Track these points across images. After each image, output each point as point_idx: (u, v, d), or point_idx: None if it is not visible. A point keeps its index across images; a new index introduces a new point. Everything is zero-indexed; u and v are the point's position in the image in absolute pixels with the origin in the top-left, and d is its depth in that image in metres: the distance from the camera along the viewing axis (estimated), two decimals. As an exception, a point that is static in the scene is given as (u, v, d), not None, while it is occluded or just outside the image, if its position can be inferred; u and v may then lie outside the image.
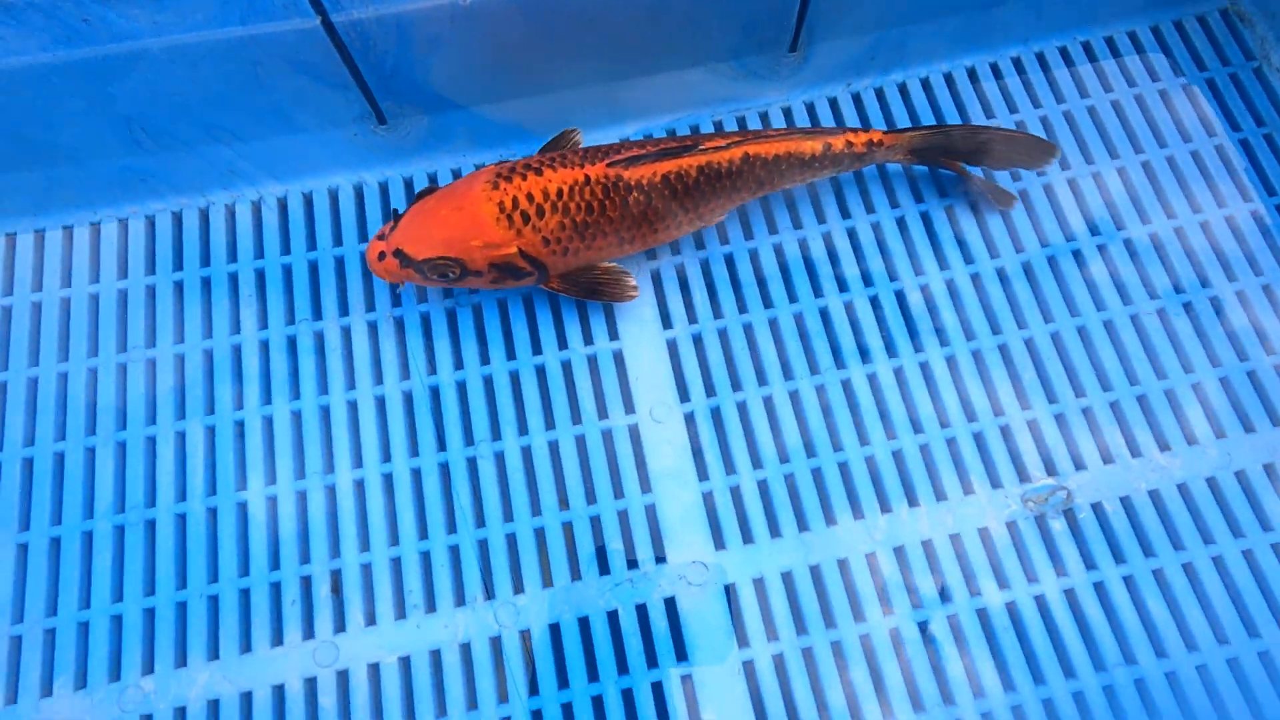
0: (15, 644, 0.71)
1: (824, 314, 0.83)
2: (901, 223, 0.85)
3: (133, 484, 0.76)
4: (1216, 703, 0.70)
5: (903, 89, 0.92)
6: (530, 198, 0.73)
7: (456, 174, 0.89)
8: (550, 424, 0.80)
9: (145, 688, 0.70)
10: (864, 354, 0.81)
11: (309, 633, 0.73)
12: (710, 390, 0.81)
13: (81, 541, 0.75)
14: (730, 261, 0.86)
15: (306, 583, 0.74)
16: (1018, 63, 0.93)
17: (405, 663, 0.73)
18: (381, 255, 0.74)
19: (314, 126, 0.82)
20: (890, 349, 0.81)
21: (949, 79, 0.91)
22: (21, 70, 0.67)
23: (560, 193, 0.73)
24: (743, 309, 0.84)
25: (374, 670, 0.72)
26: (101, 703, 0.69)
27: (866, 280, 0.83)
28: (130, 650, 0.71)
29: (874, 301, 0.83)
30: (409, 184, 0.89)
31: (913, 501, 0.76)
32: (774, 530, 0.77)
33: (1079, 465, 0.77)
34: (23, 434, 0.77)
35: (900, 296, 0.83)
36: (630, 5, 0.78)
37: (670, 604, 0.74)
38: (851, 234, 0.85)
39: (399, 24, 0.71)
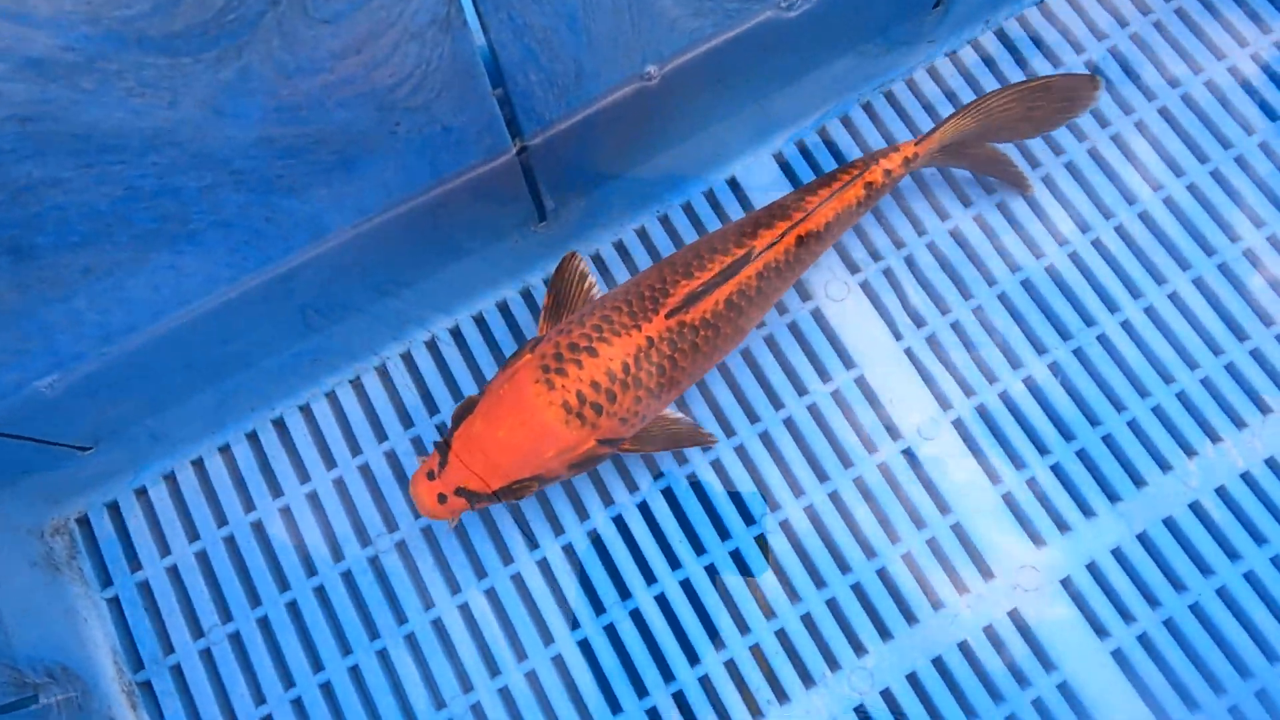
0: None
1: (1051, 273, 0.76)
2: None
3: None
4: None
5: (1044, 9, 0.83)
6: (596, 386, 0.63)
7: (619, 247, 0.79)
8: (823, 475, 0.73)
9: None
10: (1110, 305, 0.75)
11: (678, 763, 0.71)
12: (968, 390, 0.76)
13: None
14: (933, 248, 0.78)
15: (678, 702, 0.69)
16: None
17: None
18: (442, 498, 0.62)
19: (478, 249, 0.73)
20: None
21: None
22: (218, 306, 0.58)
23: (627, 368, 0.63)
24: (966, 294, 0.76)
25: (755, 777, 0.71)
26: None
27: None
28: None
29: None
30: (574, 270, 0.83)
31: (1214, 438, 0.71)
32: (1086, 510, 0.73)
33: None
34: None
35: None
36: (780, 23, 0.70)
37: (1016, 618, 0.71)
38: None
39: (585, 123, 0.62)
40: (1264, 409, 0.73)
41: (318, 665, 0.70)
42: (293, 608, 0.72)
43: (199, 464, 0.75)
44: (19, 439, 0.61)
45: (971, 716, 0.69)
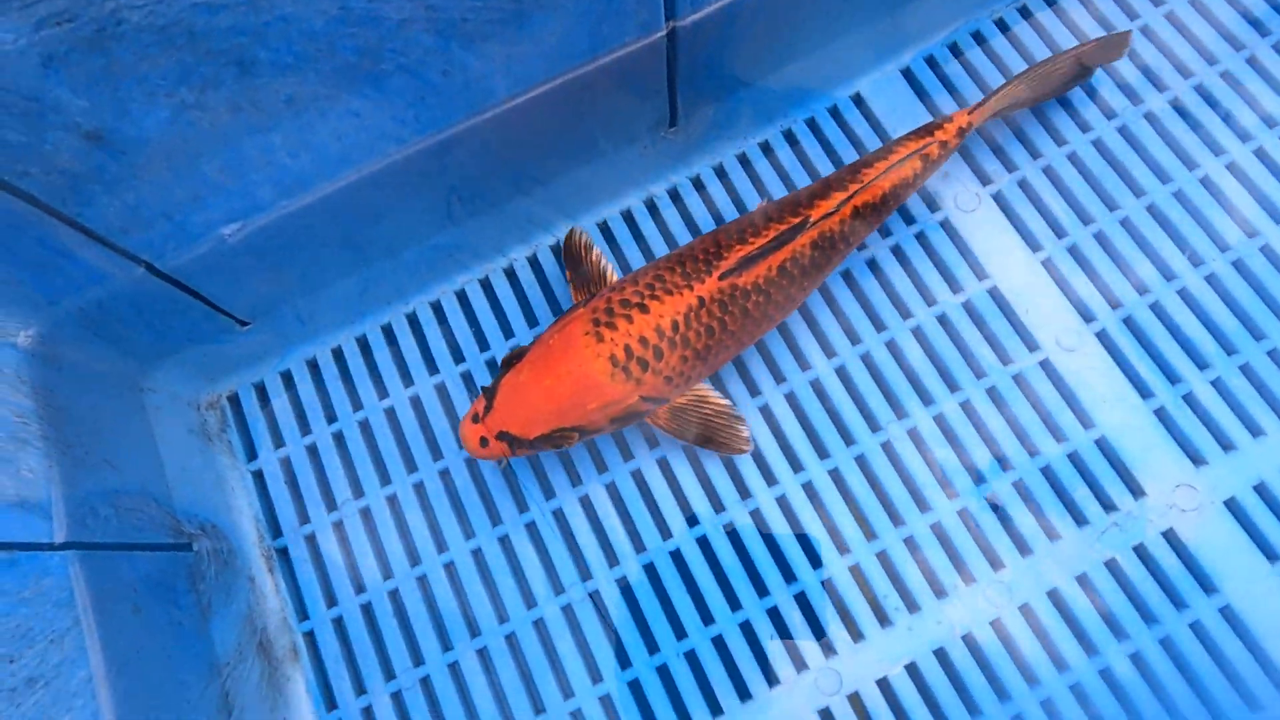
0: None
1: (1206, 184, 0.72)
2: None
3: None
4: None
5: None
6: (644, 341, 0.62)
7: (744, 160, 0.79)
8: (953, 385, 0.70)
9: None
10: (1275, 215, 0.70)
11: (800, 664, 0.68)
12: (1114, 302, 0.71)
13: (510, 645, 0.68)
14: (1101, 146, 0.75)
15: (775, 617, 0.67)
16: None
17: (912, 671, 0.67)
18: (484, 441, 0.62)
19: (610, 149, 0.74)
20: None
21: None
22: (380, 169, 0.61)
23: (676, 326, 0.62)
24: (1111, 204, 0.73)
25: (884, 685, 0.66)
26: None
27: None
28: None
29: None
30: (697, 183, 0.80)
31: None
32: (1252, 429, 0.67)
33: None
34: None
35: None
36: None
37: (1171, 538, 0.65)
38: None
39: (726, 14, 0.62)
40: None
41: (441, 546, 0.71)
42: (419, 489, 0.73)
43: (338, 352, 0.78)
44: (200, 298, 0.65)
45: (1122, 638, 0.64)
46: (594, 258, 0.72)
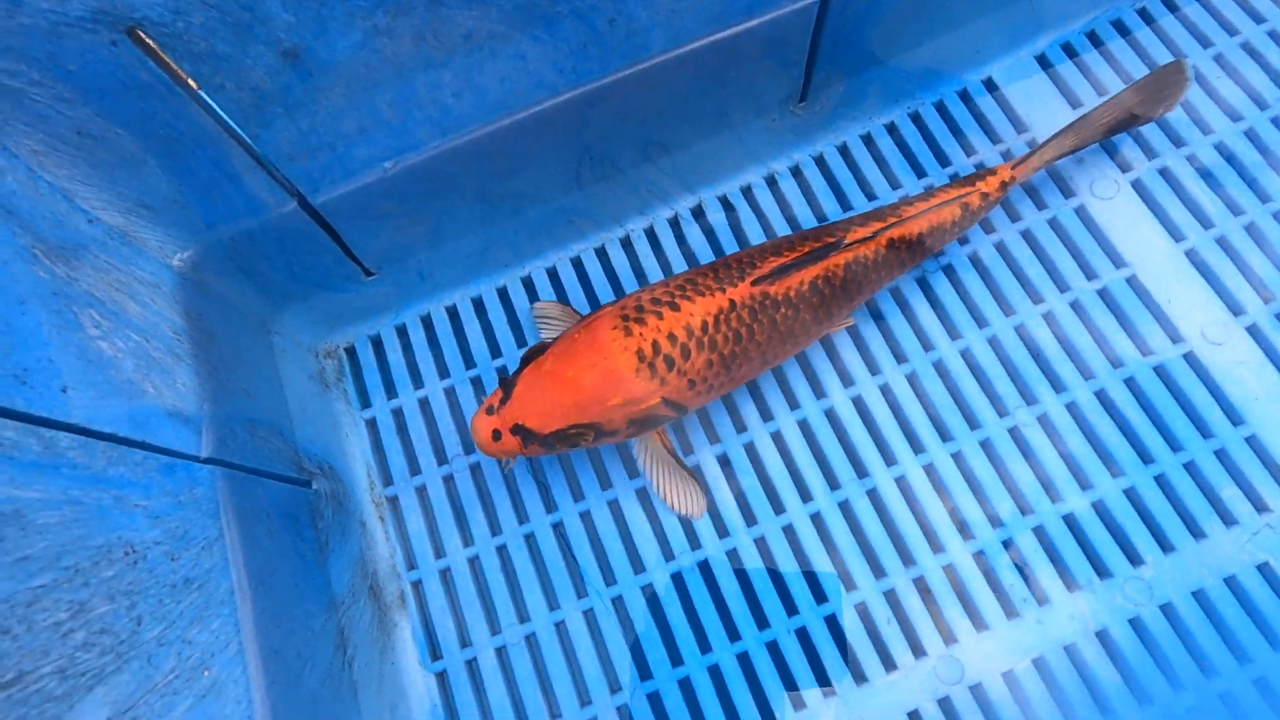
0: (623, 711, 0.64)
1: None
2: None
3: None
4: None
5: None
6: (673, 338, 0.60)
7: (868, 141, 0.79)
8: (1088, 373, 0.69)
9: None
10: None
11: (919, 650, 0.66)
12: (1265, 295, 0.68)
13: (644, 596, 0.67)
14: (1253, 136, 0.72)
15: (892, 600, 0.65)
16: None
17: (1040, 663, 0.66)
18: (496, 434, 0.59)
19: (739, 121, 0.74)
20: None
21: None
22: (526, 117, 0.62)
23: (705, 326, 0.61)
24: (1264, 198, 0.70)
25: (1009, 680, 0.64)
26: None
27: None
28: (738, 692, 0.63)
29: None
30: (818, 160, 0.80)
31: None
32: None
33: None
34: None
35: None
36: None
37: (1330, 542, 0.66)
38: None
39: None
40: None
41: (551, 506, 0.71)
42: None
43: (453, 311, 0.80)
44: (337, 239, 0.66)
45: (1276, 648, 0.61)
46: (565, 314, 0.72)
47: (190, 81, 0.50)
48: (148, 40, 0.46)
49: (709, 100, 0.71)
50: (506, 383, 0.60)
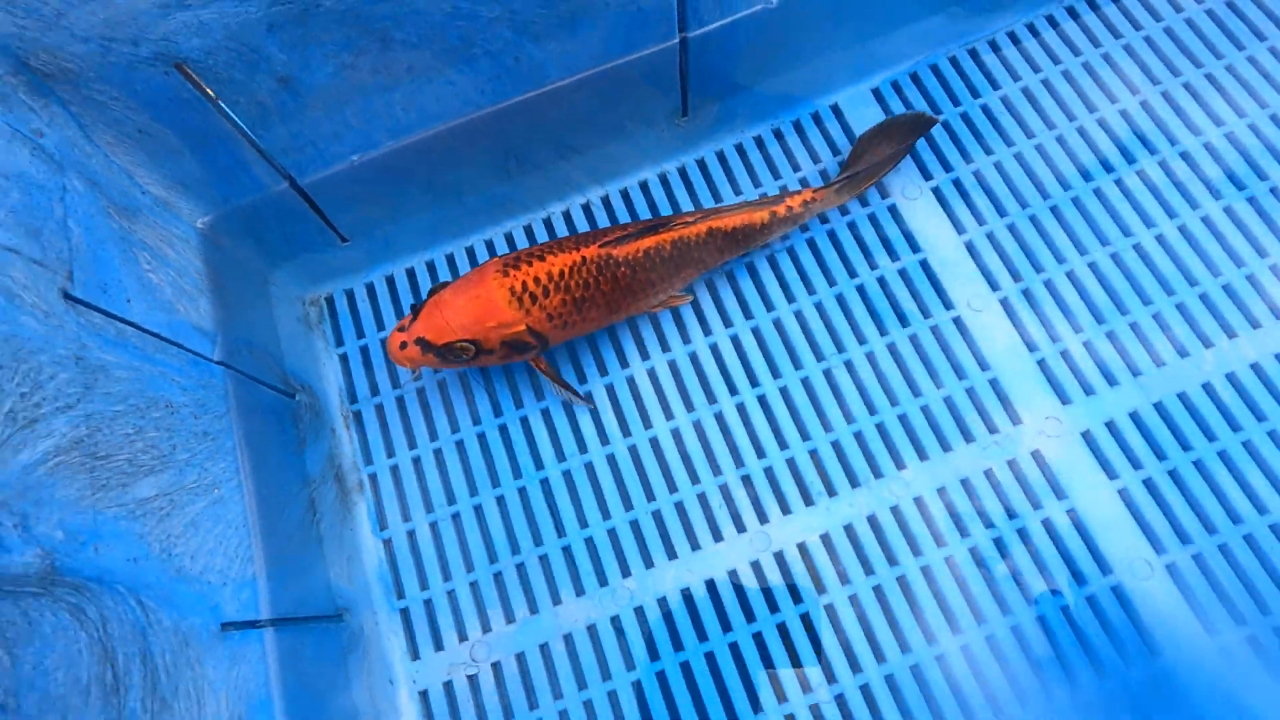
0: (522, 569, 0.87)
1: (1099, 194, 0.92)
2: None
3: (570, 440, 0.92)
4: None
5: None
6: (537, 280, 0.81)
7: (740, 150, 1.01)
8: (883, 330, 0.91)
9: (629, 586, 0.88)
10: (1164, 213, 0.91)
11: (740, 526, 0.89)
12: (1015, 275, 0.92)
13: (542, 489, 0.90)
14: (1021, 159, 0.95)
15: (725, 491, 0.88)
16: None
17: (825, 539, 0.87)
18: (403, 345, 0.79)
19: (633, 131, 0.96)
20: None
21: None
22: (460, 125, 0.85)
23: (562, 273, 0.82)
24: (1022, 204, 0.94)
25: (803, 550, 0.87)
26: (602, 603, 0.86)
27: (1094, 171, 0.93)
28: (607, 560, 0.86)
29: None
30: (701, 165, 1.03)
31: (1231, 333, 0.85)
32: (1110, 380, 0.87)
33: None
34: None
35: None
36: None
37: (1038, 457, 0.86)
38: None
39: (726, 31, 0.85)
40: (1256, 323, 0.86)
41: (476, 419, 0.93)
42: (463, 376, 0.95)
43: (411, 272, 1.02)
44: (319, 212, 0.88)
45: (990, 527, 0.84)
46: None
47: (216, 99, 0.71)
48: (189, 71, 0.68)
49: (607, 114, 0.93)
50: (415, 308, 0.82)
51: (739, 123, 1.02)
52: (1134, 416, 0.85)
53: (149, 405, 0.63)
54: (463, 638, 0.85)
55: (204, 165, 0.78)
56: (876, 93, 1.03)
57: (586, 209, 1.03)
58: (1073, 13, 1.01)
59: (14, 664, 0.41)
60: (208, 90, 0.71)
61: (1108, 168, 0.94)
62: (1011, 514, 0.83)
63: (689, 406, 0.92)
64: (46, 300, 0.55)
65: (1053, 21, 1.01)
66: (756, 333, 0.94)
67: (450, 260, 1.02)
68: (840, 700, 0.79)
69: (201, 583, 0.59)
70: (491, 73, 0.79)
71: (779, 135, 1.03)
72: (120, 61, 0.65)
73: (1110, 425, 0.85)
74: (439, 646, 0.85)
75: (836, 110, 1.03)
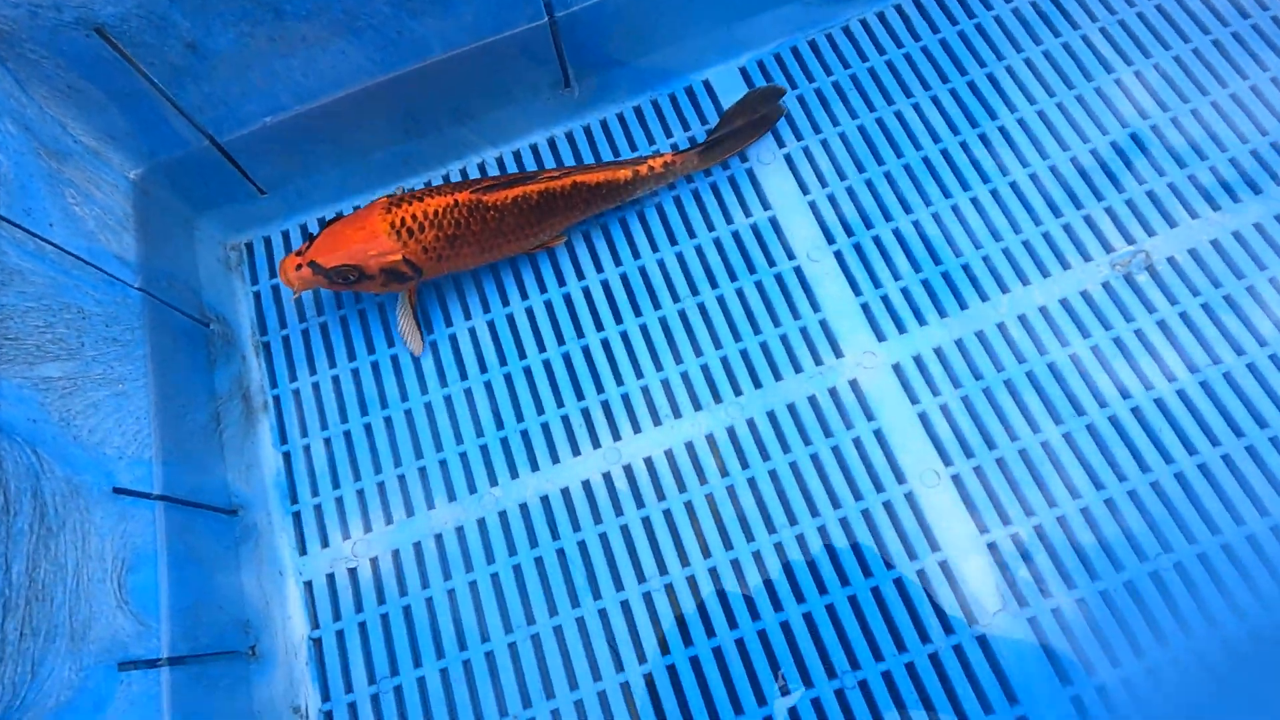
0: (403, 480, 0.99)
1: (941, 155, 1.05)
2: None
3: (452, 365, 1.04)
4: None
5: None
6: (414, 217, 0.93)
7: (621, 119, 1.14)
8: (734, 277, 1.04)
9: (495, 494, 1.01)
10: (969, 179, 1.04)
11: (596, 443, 1.01)
12: (849, 230, 1.05)
13: (425, 411, 1.02)
14: (863, 130, 1.08)
15: (585, 414, 1.00)
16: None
17: (669, 454, 0.99)
18: (298, 267, 0.91)
19: (522, 98, 1.08)
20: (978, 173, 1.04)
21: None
22: (358, 91, 0.97)
23: (437, 213, 0.93)
24: (860, 168, 1.06)
25: (649, 462, 0.99)
26: (470, 507, 0.99)
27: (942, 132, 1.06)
28: (478, 471, 0.99)
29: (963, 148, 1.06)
30: (587, 131, 1.15)
31: (1025, 280, 0.97)
32: (920, 320, 1.00)
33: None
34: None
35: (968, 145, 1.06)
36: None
37: (854, 385, 0.99)
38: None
39: (593, 11, 0.97)
40: (1065, 264, 0.98)
41: (371, 349, 1.05)
42: (362, 313, 1.09)
43: (321, 220, 1.14)
44: (238, 167, 1.00)
45: (808, 444, 0.96)
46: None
47: (134, 61, 0.84)
48: (107, 35, 0.80)
49: (495, 82, 1.05)
50: (310, 236, 0.95)
51: (619, 94, 1.14)
52: (937, 351, 0.98)
53: (61, 308, 0.75)
54: (346, 537, 0.97)
55: (131, 120, 0.90)
56: (743, 71, 1.15)
57: (481, 168, 1.15)
58: (919, 4, 1.15)
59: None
60: (125, 52, 0.83)
61: (935, 137, 1.07)
62: (828, 433, 0.96)
63: (560, 340, 1.04)
64: None
65: (900, 10, 1.14)
66: (624, 278, 1.07)
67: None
68: (669, 589, 0.92)
69: (97, 452, 0.71)
70: (377, 44, 0.91)
71: (656, 106, 1.15)
72: (46, 24, 0.77)
73: (917, 359, 0.98)
74: (325, 544, 0.97)
75: (708, 85, 1.15)
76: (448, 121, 1.09)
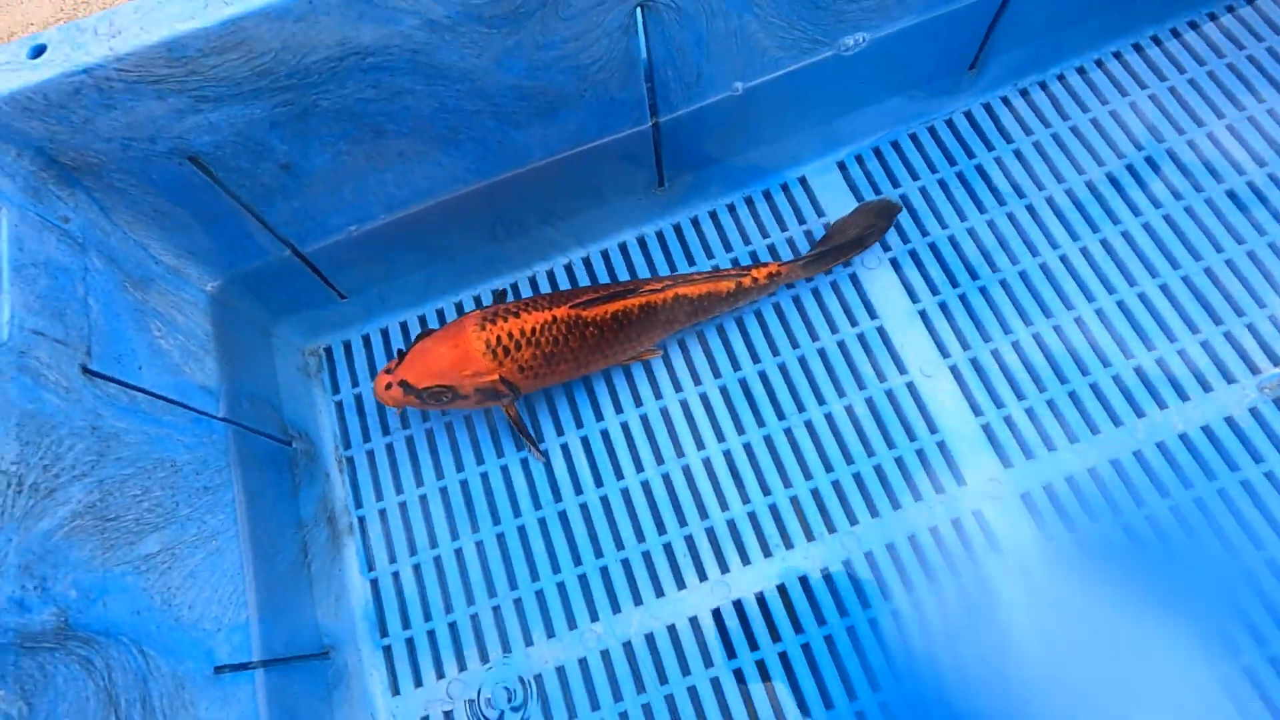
0: (498, 611, 0.93)
1: (1060, 261, 0.98)
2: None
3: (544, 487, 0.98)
4: None
5: (1063, 81, 1.07)
6: (510, 335, 0.87)
7: (713, 216, 1.08)
8: (841, 391, 0.97)
9: (597, 630, 0.93)
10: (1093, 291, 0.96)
11: (702, 575, 0.94)
12: (965, 344, 0.98)
13: (518, 535, 0.96)
14: (973, 234, 1.01)
15: (689, 541, 0.93)
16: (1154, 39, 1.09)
17: (782, 590, 0.92)
18: (389, 386, 0.87)
19: (612, 199, 1.03)
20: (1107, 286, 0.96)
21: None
22: (450, 199, 0.92)
23: (534, 330, 0.88)
24: (973, 275, 1.00)
25: (760, 599, 0.92)
26: (571, 645, 0.91)
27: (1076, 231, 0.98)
28: (577, 604, 0.92)
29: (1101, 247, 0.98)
30: (677, 229, 1.10)
31: (1163, 404, 0.90)
32: (1048, 445, 0.93)
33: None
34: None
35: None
36: (840, 61, 0.99)
37: (979, 515, 0.91)
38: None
39: (696, 116, 0.92)
40: (1206, 387, 0.90)
41: (459, 466, 0.99)
42: (449, 426, 1.02)
43: (404, 325, 1.08)
44: (319, 274, 0.95)
45: (932, 581, 0.88)
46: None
47: (223, 184, 0.78)
48: (201, 162, 0.74)
49: (587, 185, 1.00)
50: (400, 353, 0.90)
51: (712, 191, 1.08)
52: (1070, 480, 0.90)
53: (155, 466, 0.69)
54: (440, 675, 0.91)
55: (213, 237, 0.85)
56: (841, 165, 1.09)
57: (569, 269, 1.09)
58: (1024, 93, 1.08)
59: (31, 713, 0.47)
60: (216, 177, 0.78)
61: (1053, 243, 1.00)
62: (954, 570, 0.88)
63: (659, 459, 0.97)
64: (67, 376, 0.62)
65: (1006, 102, 1.08)
66: (724, 391, 1.00)
67: (440, 315, 1.08)
68: (790, 743, 0.84)
69: (198, 630, 0.65)
70: (476, 155, 0.85)
71: (750, 203, 1.09)
72: (138, 155, 0.72)
73: (1048, 488, 0.90)
74: (418, 683, 0.91)
75: (804, 181, 1.09)
76: (536, 223, 1.03)
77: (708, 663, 0.88)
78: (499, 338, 0.87)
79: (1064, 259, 0.99)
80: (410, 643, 0.93)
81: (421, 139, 0.82)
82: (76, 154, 0.69)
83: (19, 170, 0.65)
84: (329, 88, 0.71)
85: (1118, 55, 1.07)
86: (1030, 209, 1.02)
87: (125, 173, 0.74)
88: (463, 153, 0.84)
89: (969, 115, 1.09)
